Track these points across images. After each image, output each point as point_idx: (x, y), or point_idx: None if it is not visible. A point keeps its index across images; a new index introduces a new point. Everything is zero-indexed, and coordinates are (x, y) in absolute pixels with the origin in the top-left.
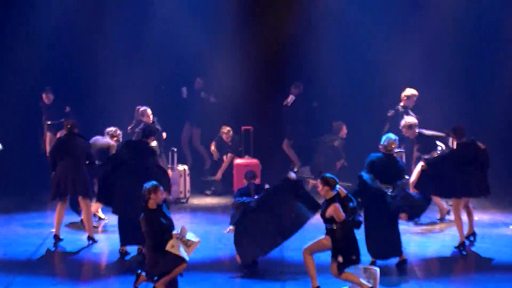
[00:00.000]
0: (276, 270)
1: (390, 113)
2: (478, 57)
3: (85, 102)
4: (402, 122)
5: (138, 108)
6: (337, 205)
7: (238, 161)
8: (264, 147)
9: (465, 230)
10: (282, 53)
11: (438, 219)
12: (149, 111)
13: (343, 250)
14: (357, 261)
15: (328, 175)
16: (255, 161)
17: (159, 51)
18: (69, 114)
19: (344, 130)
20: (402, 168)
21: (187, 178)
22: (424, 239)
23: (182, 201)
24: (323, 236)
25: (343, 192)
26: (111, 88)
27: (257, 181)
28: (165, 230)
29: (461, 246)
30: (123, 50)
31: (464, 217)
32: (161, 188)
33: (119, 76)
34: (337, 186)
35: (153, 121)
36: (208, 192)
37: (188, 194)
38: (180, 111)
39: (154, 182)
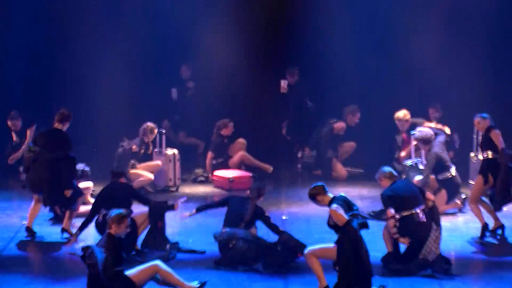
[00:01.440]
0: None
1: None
2: (505, 39)
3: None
4: (418, 134)
5: (147, 125)
6: (334, 207)
7: None
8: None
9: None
10: (283, 32)
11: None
12: (156, 130)
13: (347, 266)
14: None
15: (311, 186)
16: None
17: (145, 34)
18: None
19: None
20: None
21: (177, 164)
22: (445, 233)
23: (172, 189)
24: (332, 244)
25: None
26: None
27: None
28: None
29: (483, 229)
30: (105, 33)
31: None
32: (128, 220)
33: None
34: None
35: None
36: (200, 178)
37: (178, 182)
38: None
39: (121, 212)
